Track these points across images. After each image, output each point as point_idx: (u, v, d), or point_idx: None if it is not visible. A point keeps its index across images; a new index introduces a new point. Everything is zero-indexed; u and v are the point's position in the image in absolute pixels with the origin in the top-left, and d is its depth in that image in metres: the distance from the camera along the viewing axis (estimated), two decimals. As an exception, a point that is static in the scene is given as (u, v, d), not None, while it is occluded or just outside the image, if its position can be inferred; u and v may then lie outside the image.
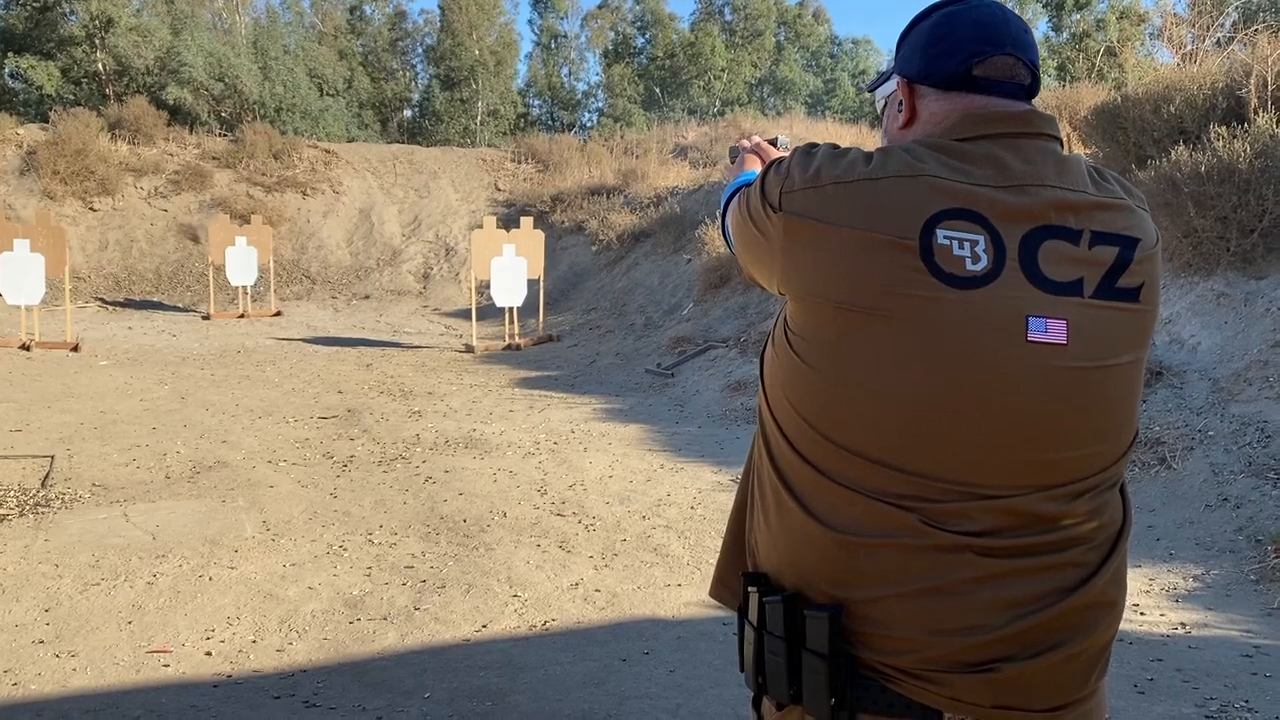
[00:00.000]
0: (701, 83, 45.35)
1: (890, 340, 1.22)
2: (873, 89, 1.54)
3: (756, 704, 1.37)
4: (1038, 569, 1.23)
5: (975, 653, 1.22)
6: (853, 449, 1.25)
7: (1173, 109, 8.02)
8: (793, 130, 23.08)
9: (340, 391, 9.83)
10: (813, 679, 1.25)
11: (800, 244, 1.29)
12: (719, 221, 1.72)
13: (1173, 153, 7.40)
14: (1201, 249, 6.91)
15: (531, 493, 6.27)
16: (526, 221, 13.16)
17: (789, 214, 1.30)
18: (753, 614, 1.32)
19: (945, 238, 1.21)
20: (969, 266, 1.21)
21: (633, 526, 5.58)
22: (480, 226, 13.19)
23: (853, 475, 1.25)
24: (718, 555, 1.50)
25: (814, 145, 1.36)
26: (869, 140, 18.45)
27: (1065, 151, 1.32)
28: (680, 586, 4.69)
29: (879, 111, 1.50)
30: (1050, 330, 1.22)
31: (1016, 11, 1.44)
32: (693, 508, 5.91)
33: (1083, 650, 1.25)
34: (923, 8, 1.41)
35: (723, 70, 45.32)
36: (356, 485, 6.44)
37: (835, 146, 1.34)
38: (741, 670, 1.36)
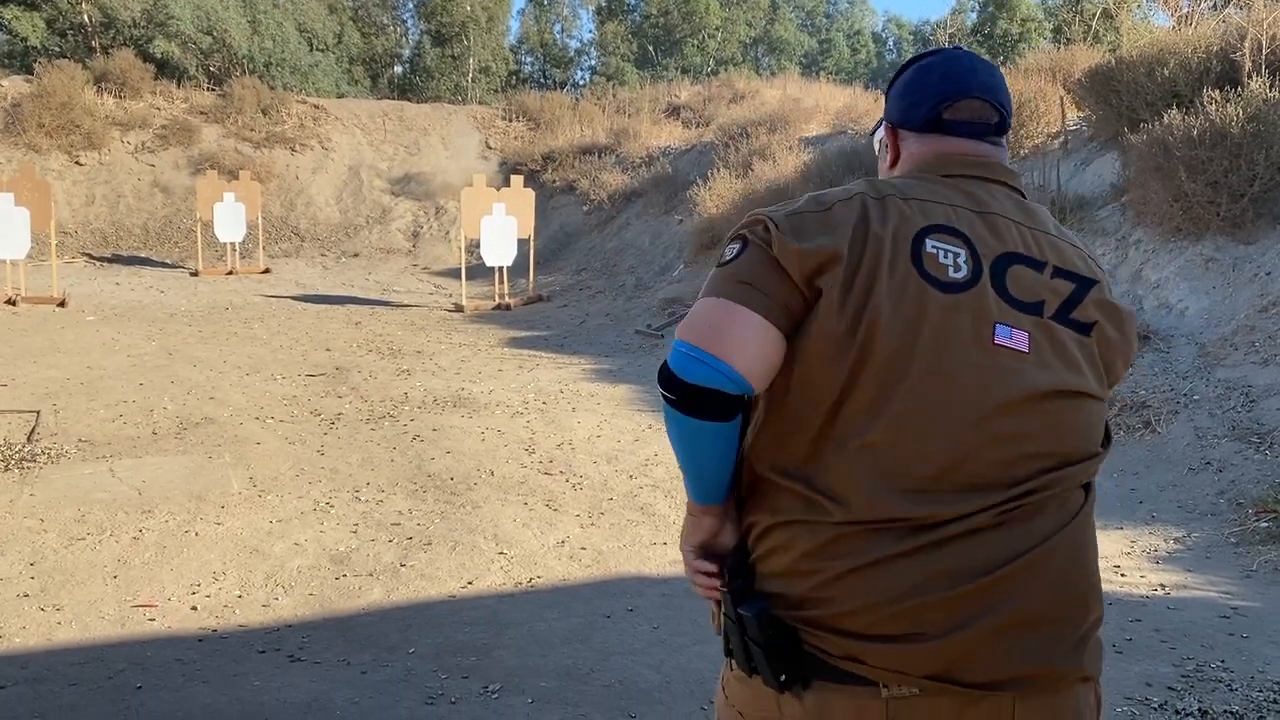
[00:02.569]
0: (695, 41, 44.96)
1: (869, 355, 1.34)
2: (872, 134, 1.69)
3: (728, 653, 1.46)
4: (957, 548, 1.29)
5: (888, 625, 1.28)
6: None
7: (1166, 72, 7.98)
8: (787, 90, 22.95)
9: (328, 349, 9.81)
10: (760, 660, 1.35)
11: None
12: None
13: (1165, 116, 7.37)
14: (1191, 213, 6.91)
15: (519, 451, 6.27)
16: (517, 180, 13.09)
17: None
18: (736, 619, 1.40)
19: (933, 247, 1.36)
20: (951, 274, 1.35)
21: (620, 486, 5.60)
22: (470, 185, 13.11)
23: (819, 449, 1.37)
24: None
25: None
26: (860, 98, 18.33)
27: (1024, 198, 1.51)
28: (666, 545, 4.71)
29: (876, 154, 1.65)
30: (1015, 338, 1.34)
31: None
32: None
33: (1009, 626, 1.28)
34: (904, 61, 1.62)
35: (717, 29, 44.88)
36: (344, 442, 6.44)
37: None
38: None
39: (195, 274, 14.87)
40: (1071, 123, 9.47)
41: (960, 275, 1.35)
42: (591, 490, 5.53)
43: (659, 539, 4.80)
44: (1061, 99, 9.38)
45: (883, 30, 52.25)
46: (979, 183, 1.46)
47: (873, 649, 1.29)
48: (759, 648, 1.34)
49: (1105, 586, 1.30)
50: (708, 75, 34.06)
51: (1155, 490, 5.39)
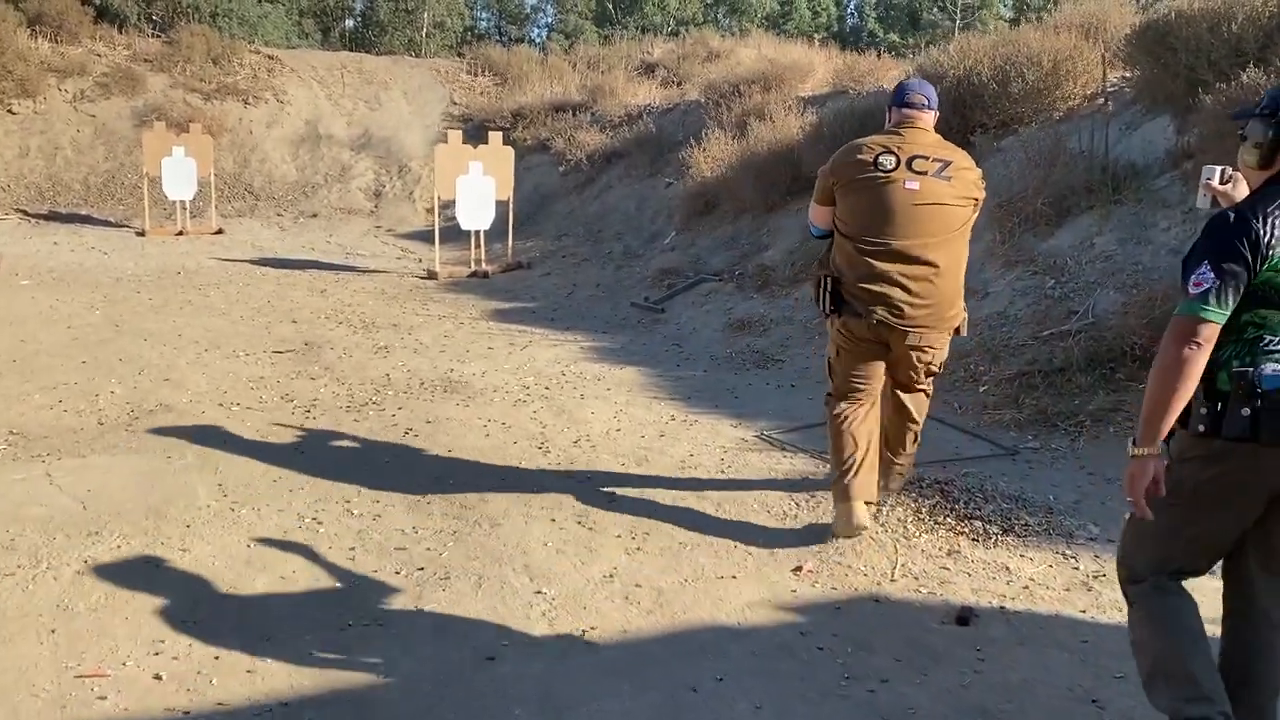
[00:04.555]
0: (656, 0, 43.90)
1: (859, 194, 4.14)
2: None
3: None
4: (898, 274, 4.04)
5: (869, 298, 4.07)
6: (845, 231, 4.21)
7: (1234, 28, 7.21)
8: (761, 50, 22.07)
9: (294, 321, 8.84)
10: (828, 298, 4.19)
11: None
12: None
13: (1244, 75, 6.62)
14: None
15: (531, 450, 5.41)
16: (495, 137, 12.09)
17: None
18: (822, 284, 4.23)
19: (882, 158, 4.06)
20: (887, 168, 4.04)
21: (659, 495, 4.75)
22: (444, 141, 12.10)
23: (848, 234, 4.17)
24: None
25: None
26: (835, 56, 17.46)
27: (934, 131, 4.22)
28: (736, 579, 3.88)
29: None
30: (913, 184, 4.02)
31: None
32: (722, 472, 5.10)
33: (918, 312, 4.07)
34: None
35: (678, -13, 43.81)
36: (325, 437, 5.54)
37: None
38: (812, 301, 4.60)
39: (142, 234, 13.73)
40: (1110, 83, 8.69)
41: (889, 167, 4.03)
42: (627, 502, 4.68)
43: (724, 571, 3.96)
44: (1103, 57, 8.59)
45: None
46: (909, 129, 4.12)
47: (861, 303, 4.08)
48: (827, 294, 4.16)
49: None
50: (668, 34, 33.01)
51: None
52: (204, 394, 6.35)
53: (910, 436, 4.44)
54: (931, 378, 4.37)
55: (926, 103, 4.16)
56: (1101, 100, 8.52)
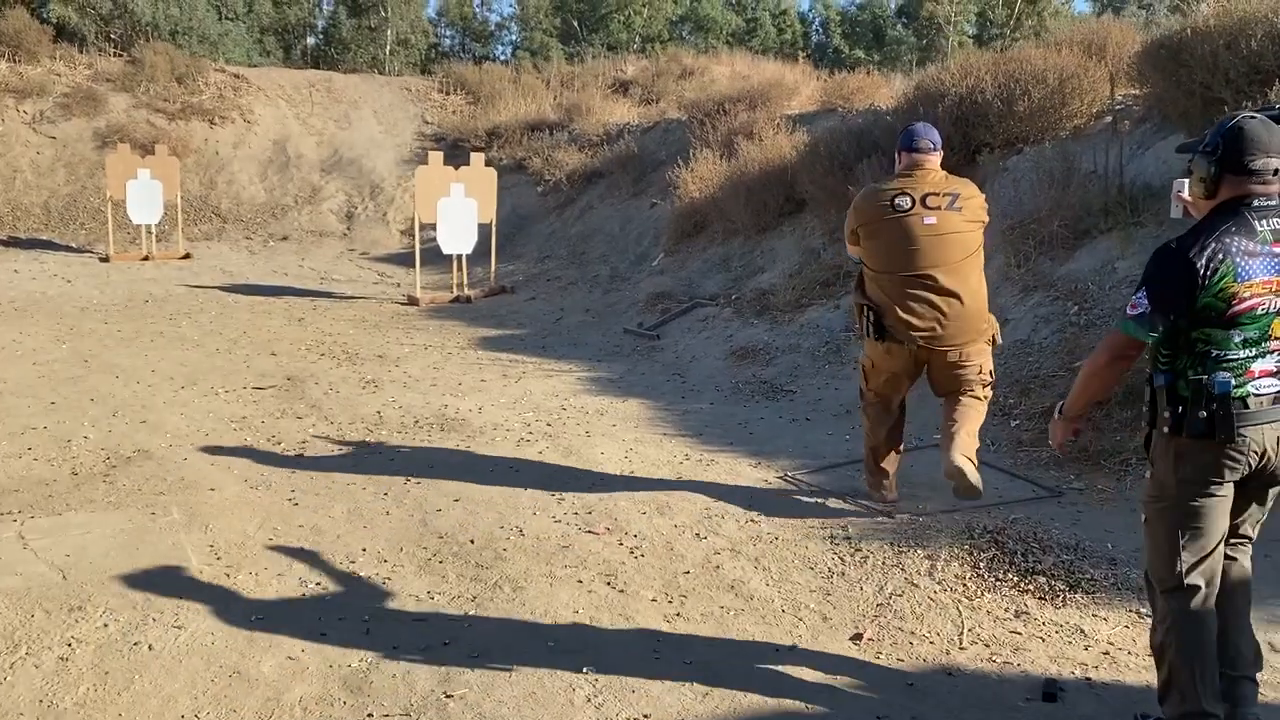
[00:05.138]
0: (622, 17, 43.67)
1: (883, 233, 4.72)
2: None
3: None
4: (929, 299, 4.60)
5: (908, 327, 4.62)
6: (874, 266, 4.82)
7: (1254, 44, 6.99)
8: (734, 68, 21.87)
9: (274, 353, 8.42)
10: (871, 328, 4.72)
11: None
12: None
13: (1270, 92, 6.39)
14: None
15: (544, 497, 5.04)
16: (477, 158, 11.71)
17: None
18: (865, 314, 4.80)
19: (897, 199, 4.64)
20: (904, 207, 4.62)
21: (690, 550, 4.40)
22: (423, 162, 11.72)
23: (877, 270, 4.76)
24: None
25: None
26: (811, 74, 17.26)
27: (940, 168, 4.79)
28: (793, 650, 3.54)
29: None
30: (930, 219, 4.59)
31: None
32: (752, 520, 4.75)
33: (953, 329, 4.62)
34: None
35: (643, 5, 43.60)
36: (319, 486, 5.15)
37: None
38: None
39: (106, 259, 13.24)
40: (1118, 101, 8.47)
41: (907, 207, 4.61)
42: (656, 558, 4.32)
43: (778, 639, 3.61)
44: (1111, 75, 8.37)
45: (809, 11, 51.48)
46: (919, 172, 4.68)
47: (902, 331, 4.63)
48: (871, 324, 4.70)
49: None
50: (635, 51, 32.79)
51: None
52: (184, 437, 5.94)
53: (977, 416, 4.78)
54: (988, 387, 4.82)
55: (933, 146, 4.73)
56: (1110, 119, 8.30)
